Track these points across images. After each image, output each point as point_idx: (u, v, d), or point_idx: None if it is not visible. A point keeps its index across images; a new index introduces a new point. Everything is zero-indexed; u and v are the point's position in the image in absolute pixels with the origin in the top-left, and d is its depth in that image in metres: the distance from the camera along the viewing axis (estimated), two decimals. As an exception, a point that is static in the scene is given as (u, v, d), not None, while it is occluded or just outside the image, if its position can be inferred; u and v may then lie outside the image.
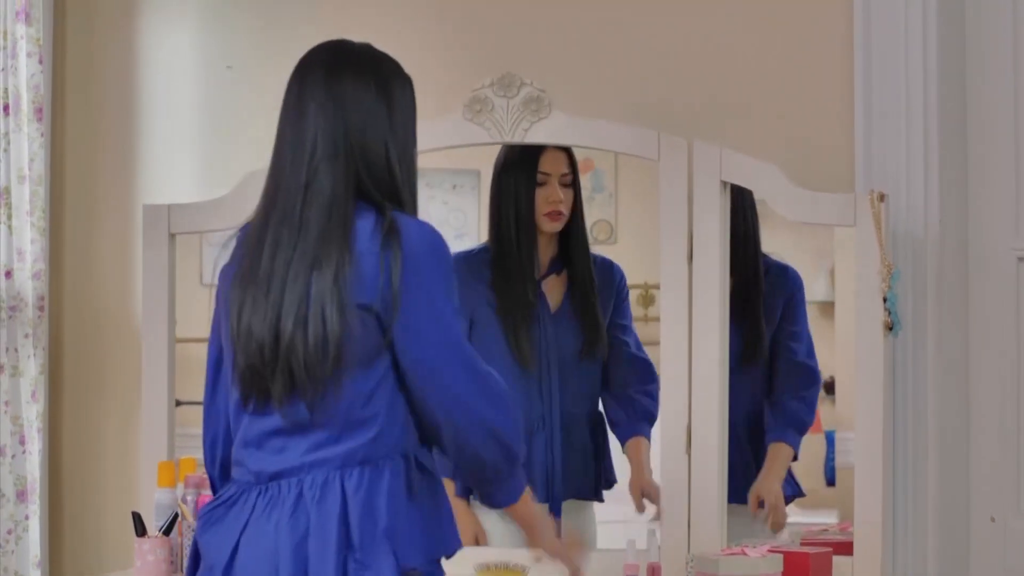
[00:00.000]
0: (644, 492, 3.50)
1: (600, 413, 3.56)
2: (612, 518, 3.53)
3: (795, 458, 3.49)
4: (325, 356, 2.39)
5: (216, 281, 2.59)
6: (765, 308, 3.46)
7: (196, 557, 2.55)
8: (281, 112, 2.53)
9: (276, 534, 2.41)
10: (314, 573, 2.38)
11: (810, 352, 3.49)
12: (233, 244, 2.57)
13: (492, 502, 2.60)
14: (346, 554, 2.38)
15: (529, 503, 2.62)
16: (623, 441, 3.53)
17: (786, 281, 3.49)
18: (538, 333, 3.48)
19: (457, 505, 3.33)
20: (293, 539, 2.40)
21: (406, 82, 2.56)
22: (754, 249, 3.45)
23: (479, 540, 3.45)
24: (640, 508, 3.49)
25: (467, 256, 3.50)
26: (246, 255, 2.50)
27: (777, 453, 3.48)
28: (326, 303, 2.39)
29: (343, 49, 2.56)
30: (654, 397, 3.45)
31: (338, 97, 2.49)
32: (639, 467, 3.53)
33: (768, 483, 3.46)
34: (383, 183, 2.49)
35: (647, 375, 3.52)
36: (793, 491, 3.51)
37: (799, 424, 3.48)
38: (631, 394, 3.52)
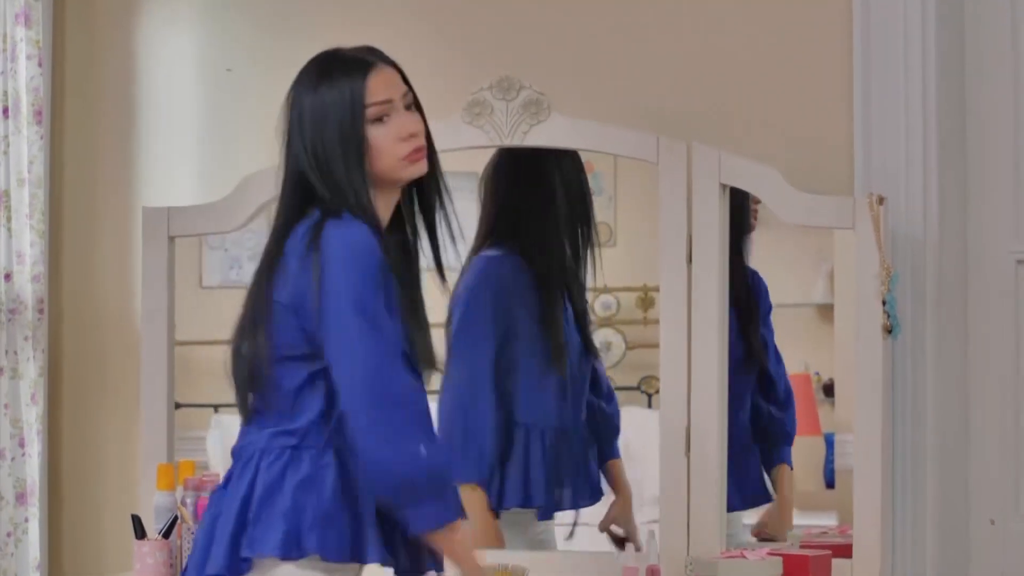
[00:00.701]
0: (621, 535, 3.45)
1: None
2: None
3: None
4: (259, 364, 2.49)
5: None
6: (746, 313, 3.42)
7: None
8: None
9: (208, 512, 2.53)
10: (214, 549, 2.46)
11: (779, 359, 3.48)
12: None
13: (406, 526, 2.48)
14: (241, 531, 2.45)
15: (458, 538, 2.52)
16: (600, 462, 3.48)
17: (759, 286, 3.45)
18: (568, 339, 3.41)
19: (486, 519, 3.30)
20: (211, 517, 2.51)
21: (321, 74, 2.55)
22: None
23: None
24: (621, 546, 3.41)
25: (499, 260, 3.41)
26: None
27: (785, 481, 3.43)
28: (261, 314, 2.50)
29: (304, 67, 2.62)
30: (607, 411, 3.44)
31: (283, 119, 2.58)
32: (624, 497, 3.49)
33: (784, 521, 3.44)
34: (307, 187, 2.54)
35: (603, 382, 3.48)
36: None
37: (789, 439, 3.45)
38: (591, 400, 3.47)
